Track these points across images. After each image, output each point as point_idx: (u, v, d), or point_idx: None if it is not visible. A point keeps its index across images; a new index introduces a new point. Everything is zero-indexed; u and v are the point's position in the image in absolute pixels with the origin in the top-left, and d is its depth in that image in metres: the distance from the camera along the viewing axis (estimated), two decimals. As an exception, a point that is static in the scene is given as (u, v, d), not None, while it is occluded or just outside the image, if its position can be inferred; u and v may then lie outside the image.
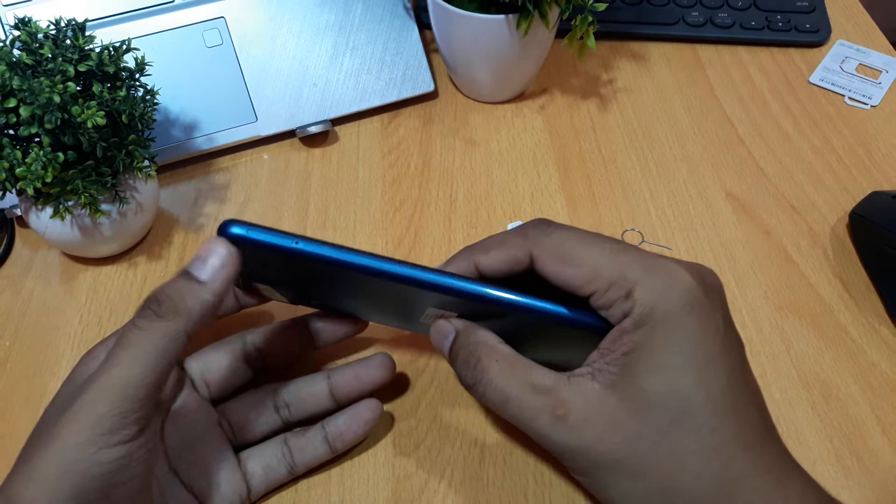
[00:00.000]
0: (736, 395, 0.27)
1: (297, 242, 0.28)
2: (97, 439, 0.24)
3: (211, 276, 0.27)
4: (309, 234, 0.45)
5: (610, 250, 0.28)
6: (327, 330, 0.35)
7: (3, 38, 0.44)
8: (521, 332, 0.31)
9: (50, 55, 0.36)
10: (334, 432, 0.34)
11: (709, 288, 0.28)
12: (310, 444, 0.33)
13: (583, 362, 0.28)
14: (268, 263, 0.30)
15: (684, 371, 0.26)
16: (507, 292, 0.29)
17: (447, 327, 0.31)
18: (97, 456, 0.24)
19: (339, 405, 0.35)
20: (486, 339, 0.30)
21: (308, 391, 0.34)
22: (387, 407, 0.37)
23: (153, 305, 0.26)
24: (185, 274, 0.27)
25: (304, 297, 0.34)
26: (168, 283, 0.27)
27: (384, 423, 0.36)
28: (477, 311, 0.30)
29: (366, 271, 0.29)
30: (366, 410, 0.34)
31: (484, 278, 0.30)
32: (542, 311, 0.29)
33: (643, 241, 0.44)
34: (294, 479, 0.34)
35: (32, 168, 0.35)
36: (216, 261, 0.27)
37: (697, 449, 0.26)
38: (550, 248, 0.29)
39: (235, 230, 0.28)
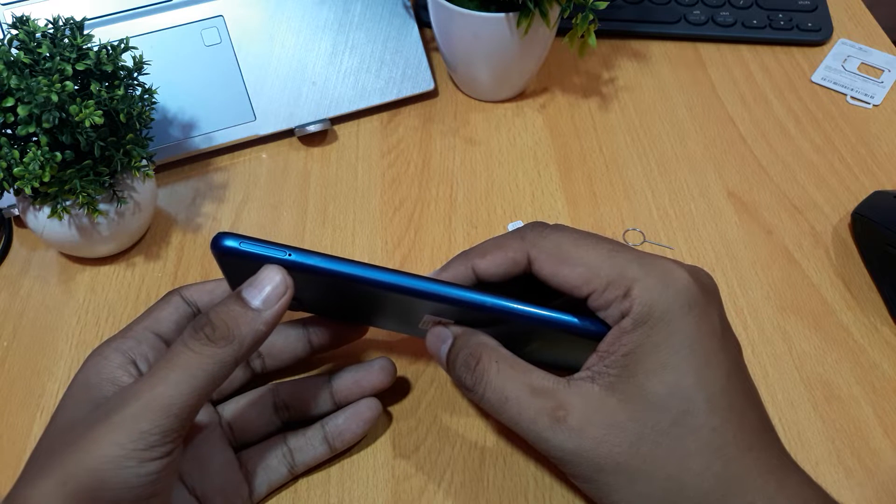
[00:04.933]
0: (735, 395, 0.27)
1: (289, 255, 0.28)
2: (137, 453, 0.24)
3: (266, 305, 0.27)
4: (308, 234, 0.45)
5: (607, 250, 0.28)
6: (326, 335, 0.35)
7: (1, 36, 0.44)
8: (517, 337, 0.31)
9: (48, 54, 0.36)
10: (334, 431, 0.33)
11: (706, 288, 0.28)
12: (309, 443, 0.33)
13: (581, 366, 0.28)
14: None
15: (685, 371, 0.26)
16: (502, 299, 0.29)
17: (445, 332, 0.31)
18: (137, 469, 0.24)
19: (339, 407, 0.34)
20: (487, 342, 0.30)
21: (308, 393, 0.34)
22: (386, 408, 0.36)
23: (207, 330, 0.26)
24: (240, 300, 0.27)
25: (302, 305, 0.34)
26: (222, 308, 0.27)
27: (383, 424, 0.36)
28: (473, 317, 0.30)
29: (359, 281, 0.28)
30: (365, 410, 0.34)
31: (481, 283, 0.30)
32: (539, 317, 0.29)
33: (644, 240, 0.44)
34: (294, 479, 0.34)
35: (30, 168, 0.35)
36: (272, 291, 0.27)
37: (699, 449, 0.26)
38: (548, 249, 0.29)
39: (228, 243, 0.28)
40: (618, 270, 0.27)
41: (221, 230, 0.32)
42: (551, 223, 0.30)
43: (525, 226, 0.30)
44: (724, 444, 0.26)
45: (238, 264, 0.28)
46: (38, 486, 0.25)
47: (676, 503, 0.26)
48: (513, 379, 0.28)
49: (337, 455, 0.34)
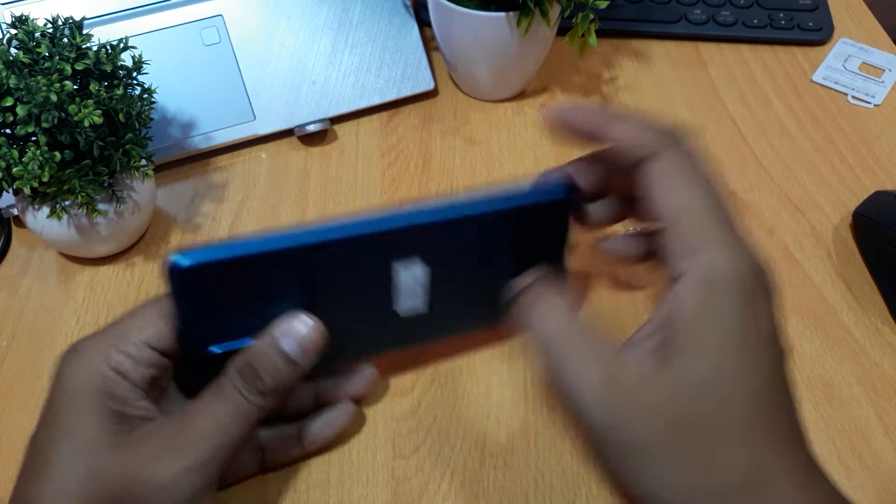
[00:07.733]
0: (773, 392, 0.26)
1: (253, 245, 0.27)
2: (188, 478, 0.27)
3: (303, 357, 0.29)
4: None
5: (712, 200, 0.27)
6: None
7: (0, 36, 0.44)
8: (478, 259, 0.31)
9: (47, 53, 0.36)
10: (308, 434, 0.34)
11: (769, 284, 0.27)
12: (283, 442, 0.34)
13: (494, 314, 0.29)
14: (225, 293, 0.28)
15: (734, 356, 0.25)
16: (449, 207, 0.29)
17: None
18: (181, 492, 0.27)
19: (319, 405, 0.35)
20: (561, 302, 0.29)
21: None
22: (386, 408, 0.36)
23: (259, 384, 0.28)
24: (283, 353, 0.29)
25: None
26: (269, 364, 0.29)
27: (384, 425, 0.36)
28: (430, 247, 0.30)
29: (317, 248, 0.28)
30: (341, 415, 0.35)
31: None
32: (496, 203, 0.29)
33: (644, 240, 0.44)
34: (291, 479, 0.34)
35: (29, 167, 0.35)
36: (309, 344, 0.29)
37: (732, 440, 0.25)
38: (675, 164, 0.27)
39: (187, 261, 0.26)
40: (700, 226, 0.26)
41: (170, 254, 0.27)
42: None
43: (660, 128, 0.28)
44: (756, 438, 0.25)
45: (195, 292, 0.28)
46: (45, 489, 0.26)
47: (697, 491, 0.25)
48: (571, 339, 0.28)
49: (336, 455, 0.35)
